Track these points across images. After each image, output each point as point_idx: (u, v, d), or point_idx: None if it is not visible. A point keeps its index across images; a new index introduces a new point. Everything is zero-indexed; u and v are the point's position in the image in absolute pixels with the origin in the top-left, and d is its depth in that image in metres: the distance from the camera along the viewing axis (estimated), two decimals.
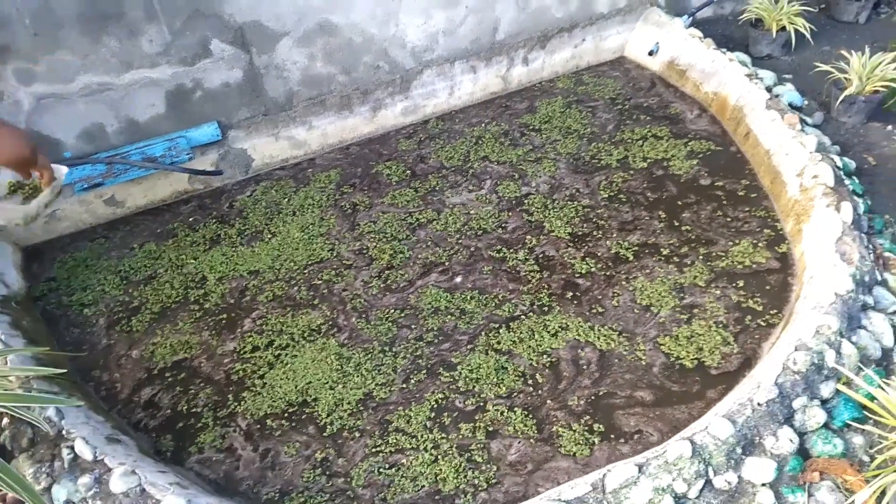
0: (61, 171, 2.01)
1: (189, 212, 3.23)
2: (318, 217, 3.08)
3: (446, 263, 2.78)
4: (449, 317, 2.55)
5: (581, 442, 2.08)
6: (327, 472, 2.09)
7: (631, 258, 2.71)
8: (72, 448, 2.02)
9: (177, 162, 3.08)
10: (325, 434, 2.21)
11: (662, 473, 1.76)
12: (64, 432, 2.06)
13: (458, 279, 2.71)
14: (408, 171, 3.30)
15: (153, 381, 2.46)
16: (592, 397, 2.22)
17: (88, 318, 2.72)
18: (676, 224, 2.84)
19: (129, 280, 2.87)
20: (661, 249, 2.73)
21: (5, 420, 2.15)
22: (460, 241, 2.88)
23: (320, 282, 2.78)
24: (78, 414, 2.18)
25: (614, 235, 2.82)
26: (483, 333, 2.47)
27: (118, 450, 2.07)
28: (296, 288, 2.76)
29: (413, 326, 2.53)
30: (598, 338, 2.40)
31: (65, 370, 2.15)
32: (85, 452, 1.99)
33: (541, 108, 3.67)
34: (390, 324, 2.55)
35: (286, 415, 2.29)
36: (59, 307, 2.79)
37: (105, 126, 3.04)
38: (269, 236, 3.01)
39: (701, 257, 2.67)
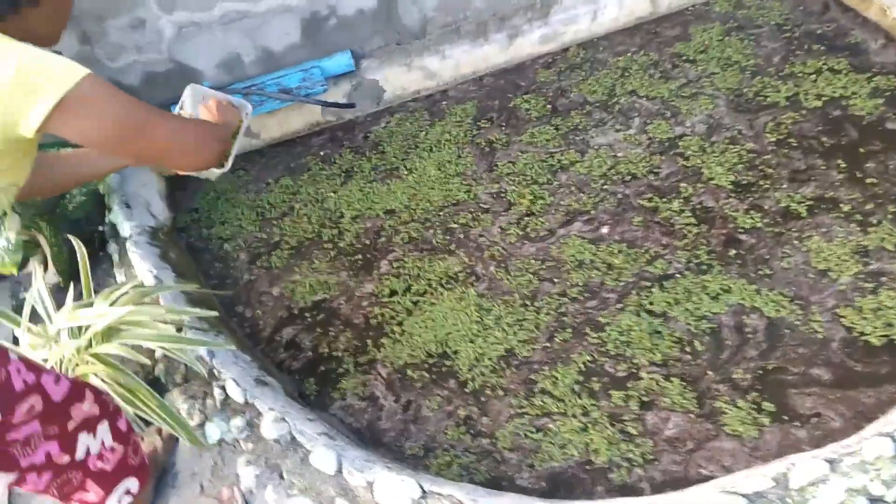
0: (247, 108, 1.96)
1: (321, 144, 3.16)
2: (454, 154, 2.92)
3: (591, 212, 2.57)
4: (595, 272, 2.37)
5: (748, 421, 1.89)
6: (472, 431, 2.02)
7: (804, 214, 2.39)
8: (223, 388, 2.04)
9: (311, 94, 2.98)
10: (466, 390, 2.13)
11: (857, 473, 1.55)
12: (215, 371, 2.08)
13: (605, 230, 2.50)
14: (548, 106, 3.06)
15: (294, 320, 2.46)
16: (760, 371, 2.00)
17: (230, 253, 2.74)
18: (859, 176, 2.48)
19: (265, 216, 2.85)
20: (841, 205, 2.39)
21: (159, 352, 2.20)
22: (606, 188, 2.65)
23: (456, 226, 2.65)
24: (227, 353, 2.20)
25: (784, 186, 2.50)
26: (633, 292, 2.28)
27: (266, 393, 2.07)
28: (431, 231, 2.65)
29: (556, 280, 2.37)
30: (766, 304, 2.15)
31: (216, 313, 2.15)
32: (236, 394, 2.01)
33: (695, 36, 3.27)
34: (531, 276, 2.40)
35: (426, 366, 2.22)
36: (201, 239, 2.82)
37: (242, 55, 2.96)
38: (406, 173, 2.89)
39: (890, 216, 2.32)
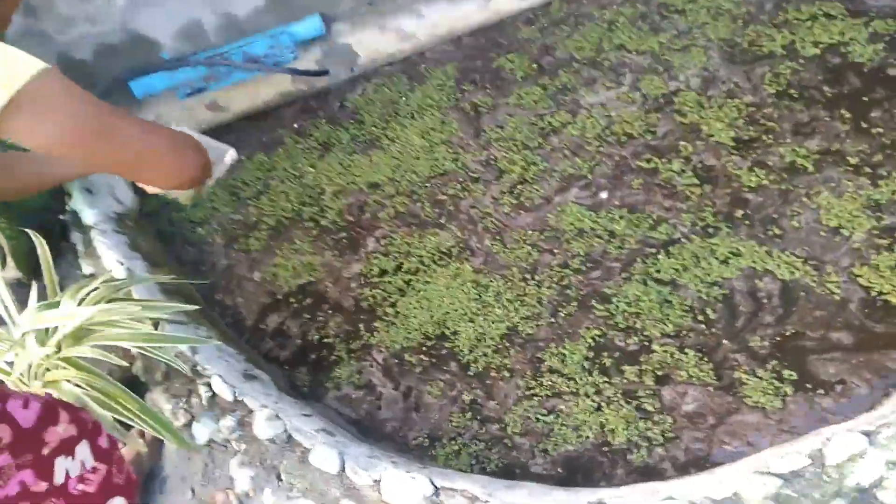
0: (230, 152, 1.62)
1: (294, 115, 2.95)
2: (438, 121, 2.74)
3: (588, 176, 2.43)
4: (596, 240, 2.23)
5: (770, 392, 1.79)
6: (479, 417, 1.90)
7: (811, 168, 2.28)
8: (209, 385, 1.89)
9: (281, 62, 2.77)
10: (469, 373, 2.00)
11: (895, 444, 1.46)
12: (199, 368, 1.92)
13: (604, 195, 2.36)
14: (533, 65, 2.88)
15: (279, 307, 2.29)
16: (778, 338, 1.90)
17: (204, 238, 2.55)
18: (865, 126, 2.37)
19: (239, 196, 2.66)
20: (848, 158, 2.28)
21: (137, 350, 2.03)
22: (602, 150, 2.50)
23: (445, 197, 2.49)
24: (210, 349, 2.04)
25: (788, 141, 2.38)
26: (638, 259, 2.15)
27: (257, 388, 1.92)
28: (419, 204, 2.48)
29: (556, 251, 2.24)
30: (779, 266, 2.05)
31: (196, 306, 1.98)
32: (224, 392, 1.86)
33: None
34: (529, 248, 2.26)
35: (424, 349, 2.08)
36: (172, 224, 2.63)
37: (203, 22, 2.73)
38: (387, 143, 2.71)
39: None
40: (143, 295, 2.11)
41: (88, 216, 2.43)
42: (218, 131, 2.91)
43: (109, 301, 1.93)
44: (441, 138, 2.67)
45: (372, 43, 3.01)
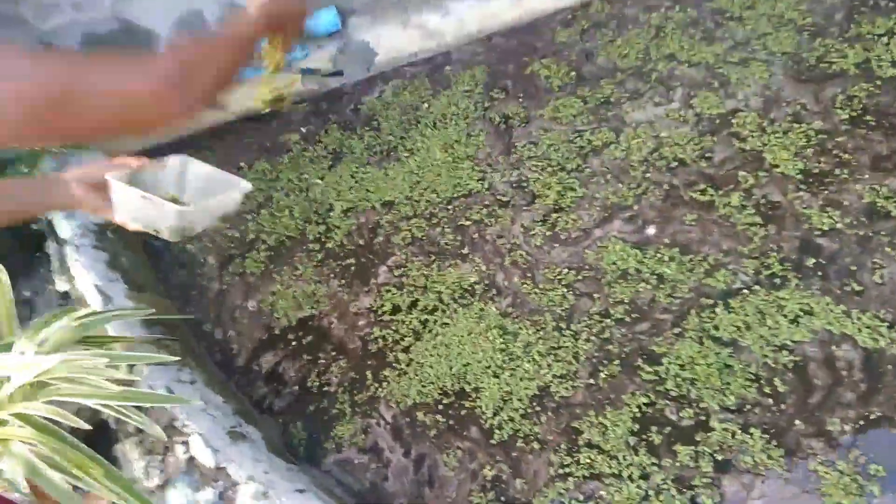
0: (244, 188, 1.25)
1: (302, 119, 2.64)
2: (463, 132, 2.42)
3: (633, 207, 2.11)
4: (643, 285, 1.92)
5: (854, 491, 1.48)
6: (503, 498, 1.60)
7: (894, 212, 1.96)
8: (188, 444, 1.59)
9: (290, 59, 2.45)
10: (492, 441, 1.70)
11: None
12: (178, 424, 1.63)
13: (651, 231, 2.05)
14: (572, 73, 2.56)
15: (276, 343, 2.00)
16: (861, 421, 1.59)
17: (195, 256, 2.25)
18: None
19: (238, 209, 2.35)
20: None
21: None
22: (649, 176, 2.18)
23: (469, 223, 2.18)
24: (193, 392, 1.74)
25: (866, 177, 2.05)
26: (692, 312, 1.84)
27: (244, 451, 1.63)
28: (439, 229, 2.18)
29: (595, 296, 1.93)
30: (859, 330, 1.73)
31: (177, 358, 1.68)
32: (204, 457, 1.56)
33: None
34: (564, 290, 1.95)
35: (441, 407, 1.79)
36: (160, 238, 2.32)
37: (204, 13, 2.41)
38: (406, 154, 2.39)
39: None
40: (120, 329, 1.82)
41: (64, 228, 2.13)
42: (217, 133, 2.61)
43: (77, 342, 1.65)
44: (466, 153, 2.35)
45: (392, 40, 2.69)
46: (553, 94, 2.49)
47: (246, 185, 1.35)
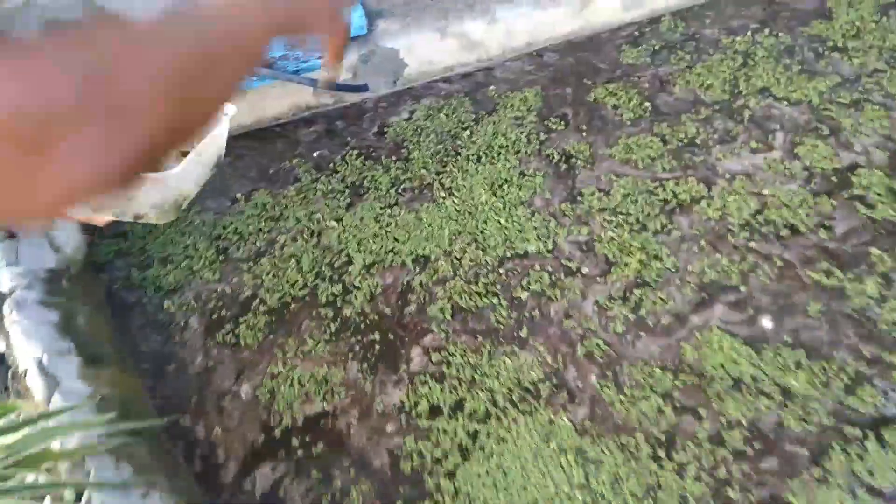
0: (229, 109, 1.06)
1: (313, 139, 2.13)
2: (515, 170, 1.94)
3: (739, 288, 1.64)
4: (764, 400, 1.45)
5: None
6: None
7: None
8: None
9: (303, 70, 1.94)
10: None
11: None
12: None
13: (767, 323, 1.58)
14: (645, 104, 2.08)
15: (276, 451, 1.50)
16: None
17: (174, 315, 1.73)
18: None
19: (230, 255, 1.85)
20: None
21: None
22: (754, 246, 1.72)
23: (526, 293, 1.69)
24: None
25: None
26: (835, 445, 1.38)
27: None
28: (487, 299, 1.69)
29: (701, 411, 1.46)
30: None
31: (141, 438, 1.17)
32: None
33: (837, 12, 2.31)
34: (659, 399, 1.48)
35: None
36: (131, 287, 1.81)
37: None
38: (442, 194, 1.90)
39: None
40: (71, 417, 1.31)
41: (3, 279, 1.61)
42: None
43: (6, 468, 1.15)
44: (519, 197, 1.87)
45: (427, 50, 2.19)
46: (623, 129, 2.01)
47: (229, 108, 1.09)
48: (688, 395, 1.47)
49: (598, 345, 1.57)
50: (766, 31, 2.27)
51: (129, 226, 1.91)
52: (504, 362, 1.57)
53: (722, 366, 1.50)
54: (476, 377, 1.55)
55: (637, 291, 1.65)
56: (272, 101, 2.12)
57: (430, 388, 1.54)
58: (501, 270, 1.74)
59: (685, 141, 1.96)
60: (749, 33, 2.27)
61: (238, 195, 1.97)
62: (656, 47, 2.26)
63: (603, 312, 1.63)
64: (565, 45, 2.32)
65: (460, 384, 1.54)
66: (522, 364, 1.56)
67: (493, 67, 2.27)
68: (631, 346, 1.56)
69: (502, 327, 1.63)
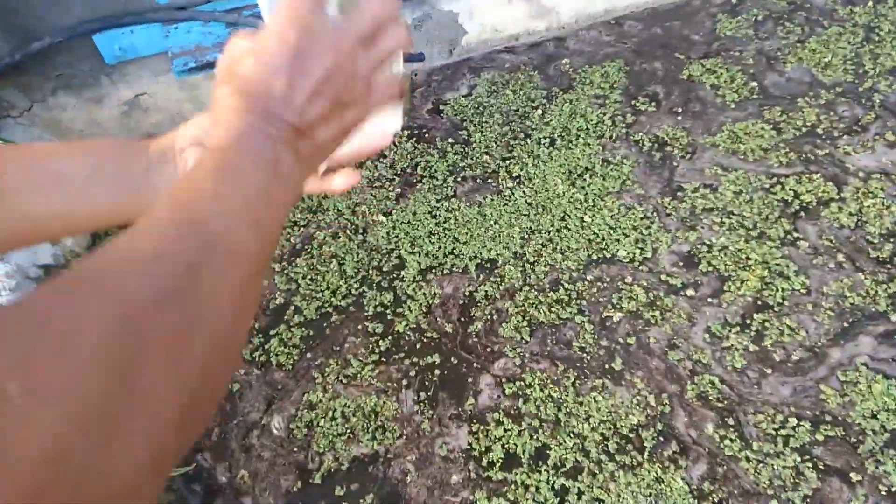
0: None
1: None
2: (597, 157, 1.60)
3: (890, 316, 1.30)
4: None
5: None
6: None
7: None
8: None
9: None
10: None
11: None
12: None
13: None
14: (752, 85, 1.73)
15: (314, 503, 1.20)
16: None
17: None
18: None
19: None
20: None
21: None
22: None
23: (618, 315, 1.37)
24: None
25: None
26: None
27: None
28: (570, 317, 1.37)
29: (854, 478, 1.13)
30: None
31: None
32: None
33: None
34: (796, 457, 1.15)
35: None
36: None
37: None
38: (511, 184, 1.58)
39: None
40: None
41: None
42: None
43: None
44: (603, 188, 1.53)
45: (489, 14, 1.85)
46: (727, 113, 1.66)
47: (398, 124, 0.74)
48: (833, 453, 1.15)
49: (712, 383, 1.25)
50: (891, 1, 1.90)
51: None
52: (594, 400, 1.25)
53: (874, 416, 1.17)
54: (560, 416, 1.23)
55: (758, 317, 1.32)
56: None
57: (503, 428, 1.23)
58: (587, 279, 1.41)
59: (804, 130, 1.61)
60: (870, 3, 1.90)
61: None
62: (759, 17, 1.90)
63: (716, 341, 1.30)
64: (649, 13, 1.96)
65: (542, 425, 1.23)
66: (618, 404, 1.24)
67: (566, 37, 1.92)
68: (755, 386, 1.24)
69: (589, 355, 1.31)
